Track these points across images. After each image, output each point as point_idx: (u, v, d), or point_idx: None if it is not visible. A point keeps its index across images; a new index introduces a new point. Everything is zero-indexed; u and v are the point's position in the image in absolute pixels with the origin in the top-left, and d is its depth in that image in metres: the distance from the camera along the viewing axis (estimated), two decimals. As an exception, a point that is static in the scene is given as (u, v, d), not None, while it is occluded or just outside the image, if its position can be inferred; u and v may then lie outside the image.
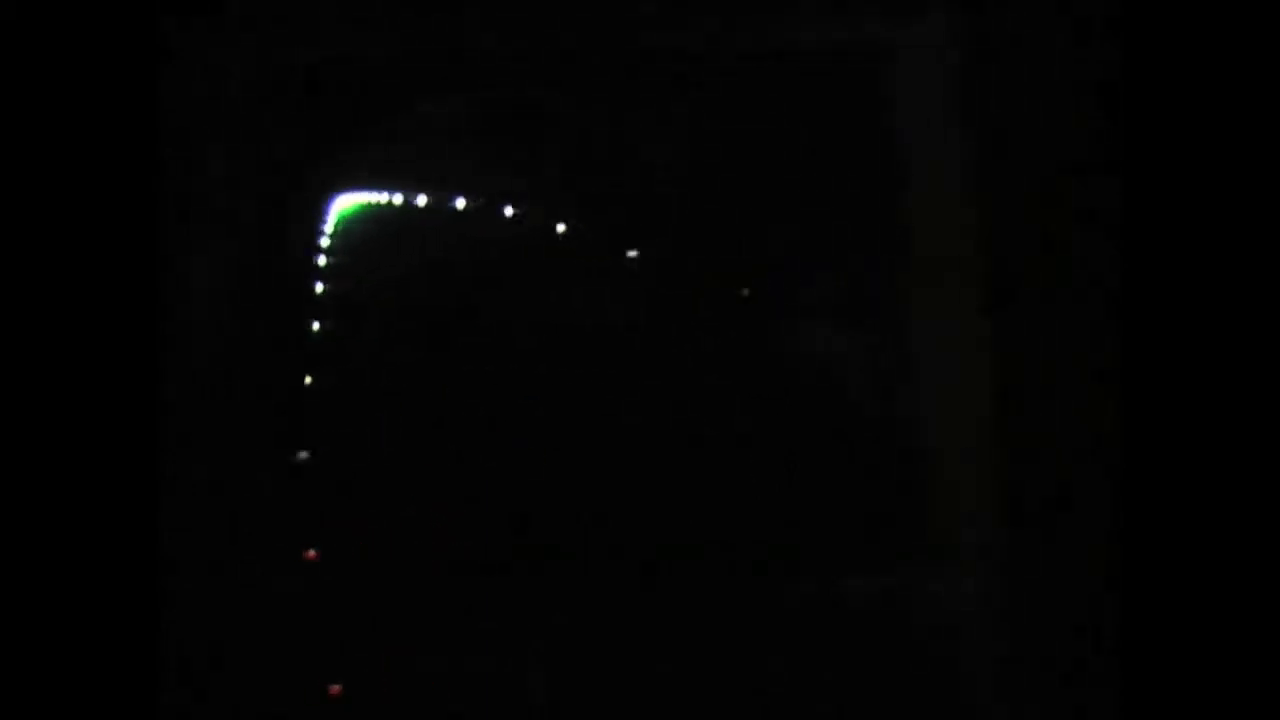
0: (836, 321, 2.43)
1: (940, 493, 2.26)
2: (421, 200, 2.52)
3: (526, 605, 2.29)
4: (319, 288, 2.46)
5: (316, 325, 2.46)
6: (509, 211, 2.50)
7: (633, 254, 2.45)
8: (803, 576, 2.30)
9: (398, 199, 2.52)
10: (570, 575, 2.30)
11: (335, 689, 2.26)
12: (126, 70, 1.78)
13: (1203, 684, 1.59)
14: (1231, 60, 1.66)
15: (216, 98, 2.34)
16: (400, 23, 2.32)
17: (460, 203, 2.50)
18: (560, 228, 2.49)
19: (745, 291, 2.46)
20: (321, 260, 2.48)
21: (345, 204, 2.50)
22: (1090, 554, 2.10)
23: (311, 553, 2.34)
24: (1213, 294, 1.66)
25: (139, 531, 1.73)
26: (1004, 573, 2.15)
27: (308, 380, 2.42)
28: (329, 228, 2.50)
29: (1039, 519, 2.13)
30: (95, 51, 1.76)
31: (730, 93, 2.42)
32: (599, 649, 2.26)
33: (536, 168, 2.49)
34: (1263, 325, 1.62)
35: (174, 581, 2.11)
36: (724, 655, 2.25)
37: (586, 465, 2.36)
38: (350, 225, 2.48)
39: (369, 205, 2.50)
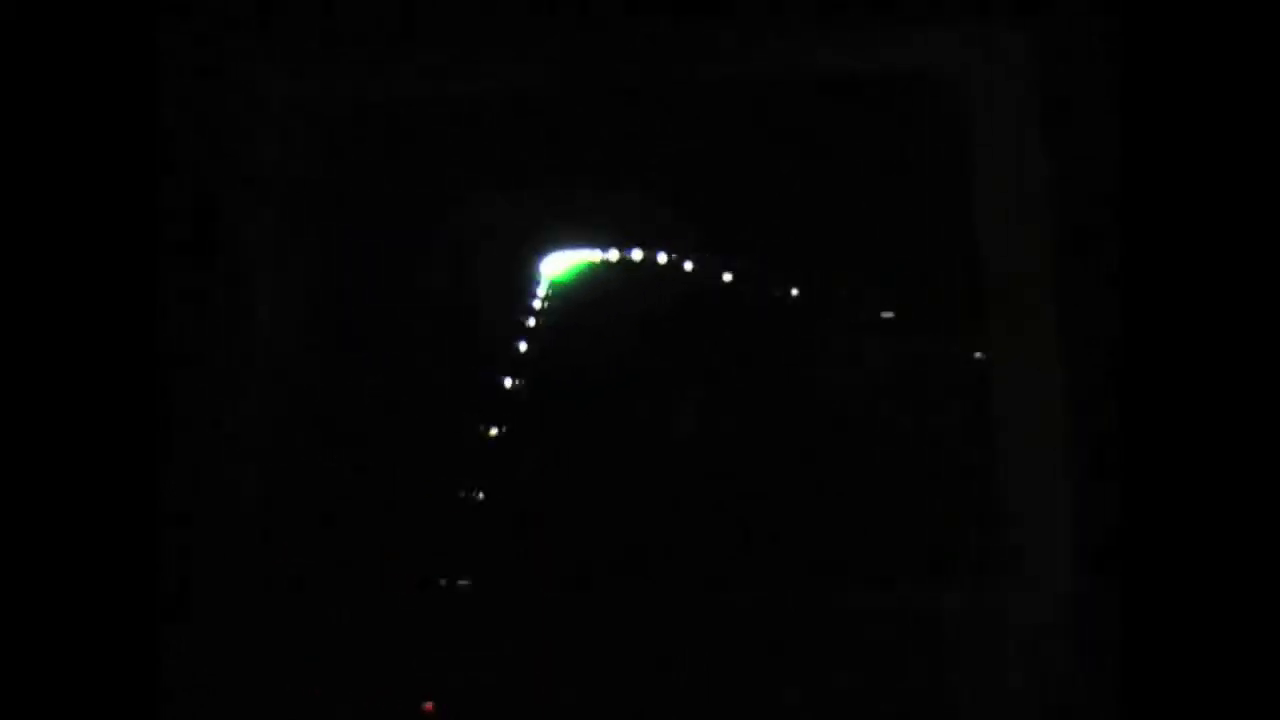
0: (910, 336, 2.46)
1: (1003, 506, 2.26)
2: (637, 254, 2.57)
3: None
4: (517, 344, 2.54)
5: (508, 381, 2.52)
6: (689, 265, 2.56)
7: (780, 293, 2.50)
8: (846, 588, 2.33)
9: (611, 255, 2.57)
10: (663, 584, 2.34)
11: (429, 706, 2.28)
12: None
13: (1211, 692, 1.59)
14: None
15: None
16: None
17: (689, 264, 2.55)
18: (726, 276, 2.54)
19: (879, 311, 2.51)
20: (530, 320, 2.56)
21: (558, 263, 2.56)
22: (1091, 563, 2.10)
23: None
24: (1213, 298, 1.67)
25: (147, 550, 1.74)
26: (1074, 590, 2.15)
27: (494, 431, 2.49)
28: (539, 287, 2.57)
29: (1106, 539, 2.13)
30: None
31: (807, 116, 2.47)
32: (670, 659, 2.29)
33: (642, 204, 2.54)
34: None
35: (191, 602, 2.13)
36: (781, 663, 2.28)
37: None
38: (564, 284, 2.55)
39: (584, 264, 2.56)
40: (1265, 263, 1.65)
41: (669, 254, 2.56)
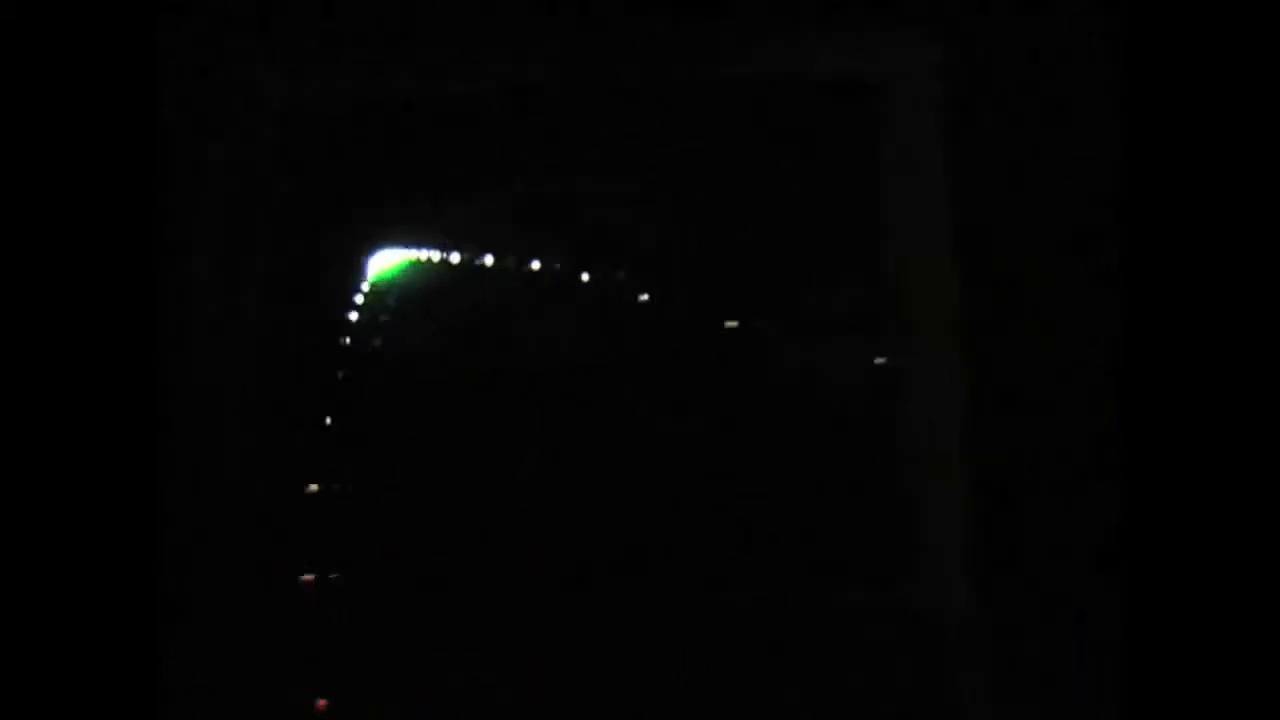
0: (832, 341, 2.47)
1: (932, 503, 2.27)
2: (455, 257, 2.60)
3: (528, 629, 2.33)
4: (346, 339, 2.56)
5: (340, 374, 2.55)
6: (535, 265, 2.58)
7: (644, 297, 2.51)
8: (799, 590, 2.33)
9: (434, 255, 2.61)
10: (589, 593, 2.35)
11: (321, 703, 2.29)
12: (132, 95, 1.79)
13: (1207, 692, 1.59)
14: (1238, 71, 1.67)
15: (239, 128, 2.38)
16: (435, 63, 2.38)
17: (489, 259, 2.58)
18: (584, 276, 2.55)
19: (733, 323, 2.52)
20: (353, 315, 2.59)
21: (384, 260, 2.59)
22: (1091, 563, 2.11)
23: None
24: (1212, 299, 1.67)
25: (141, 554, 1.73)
26: (996, 584, 2.16)
27: (327, 420, 2.50)
28: (364, 283, 2.60)
29: (1035, 530, 2.14)
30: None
31: (728, 121, 2.48)
32: (620, 665, 2.29)
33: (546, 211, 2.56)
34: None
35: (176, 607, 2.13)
36: (730, 666, 2.28)
37: (605, 495, 2.42)
38: (389, 282, 2.58)
39: (408, 262, 2.59)
40: (1265, 262, 1.65)
41: (502, 255, 2.59)
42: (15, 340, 1.70)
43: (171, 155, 2.25)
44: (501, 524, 2.43)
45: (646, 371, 2.51)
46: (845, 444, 2.44)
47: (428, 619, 2.36)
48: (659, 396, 2.49)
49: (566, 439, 2.47)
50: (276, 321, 2.39)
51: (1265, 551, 1.60)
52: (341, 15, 2.37)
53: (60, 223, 1.74)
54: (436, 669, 2.32)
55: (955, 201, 2.30)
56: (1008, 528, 2.23)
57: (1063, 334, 2.18)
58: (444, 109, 2.54)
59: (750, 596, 2.34)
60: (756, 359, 2.53)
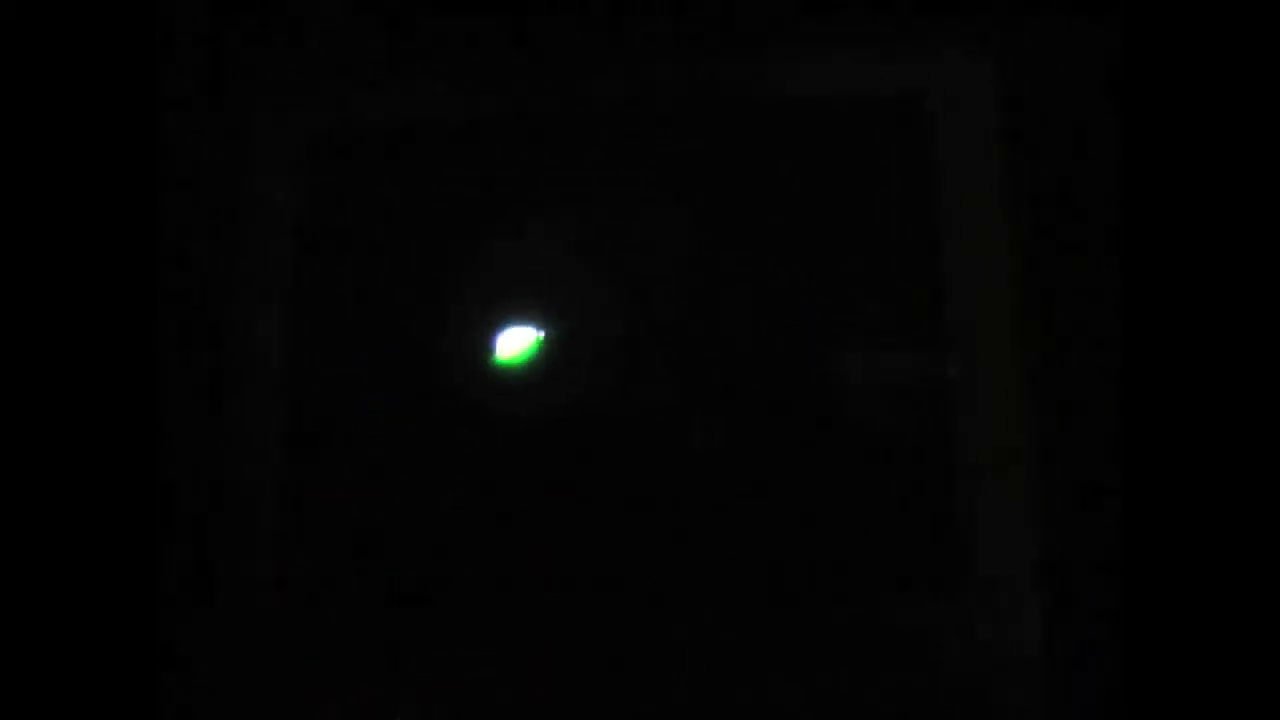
0: (880, 351, 2.47)
1: (977, 520, 2.26)
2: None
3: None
4: None
5: None
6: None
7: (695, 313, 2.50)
8: (835, 604, 2.33)
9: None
10: (604, 597, 2.35)
11: None
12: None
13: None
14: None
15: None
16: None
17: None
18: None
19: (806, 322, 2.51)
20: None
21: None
22: (1091, 563, 2.11)
23: None
24: (1213, 299, 1.67)
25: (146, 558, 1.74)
26: (1041, 604, 2.15)
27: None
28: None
29: (1076, 547, 2.13)
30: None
31: (774, 137, 2.48)
32: (638, 673, 2.29)
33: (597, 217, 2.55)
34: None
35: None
36: (760, 682, 2.28)
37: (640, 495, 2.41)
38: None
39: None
40: (1265, 265, 1.65)
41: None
42: (16, 343, 1.70)
43: (171, 158, 2.26)
44: (540, 531, 2.43)
45: (705, 385, 2.51)
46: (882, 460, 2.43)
47: (548, 634, 2.36)
48: (719, 411, 2.48)
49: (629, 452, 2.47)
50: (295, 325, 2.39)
51: (1266, 552, 1.60)
52: (341, 23, 2.38)
53: (60, 226, 1.74)
54: (443, 668, 2.32)
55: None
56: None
57: (1100, 360, 2.17)
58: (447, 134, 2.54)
59: (756, 605, 2.34)
60: (804, 371, 2.52)
